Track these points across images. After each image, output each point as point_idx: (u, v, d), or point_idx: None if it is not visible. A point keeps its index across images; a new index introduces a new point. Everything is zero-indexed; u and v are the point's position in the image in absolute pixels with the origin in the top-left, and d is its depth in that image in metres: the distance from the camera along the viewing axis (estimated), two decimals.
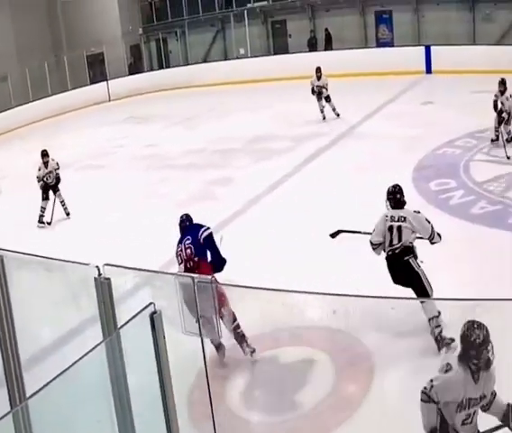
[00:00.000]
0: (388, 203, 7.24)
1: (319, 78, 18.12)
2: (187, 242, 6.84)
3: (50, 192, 13.38)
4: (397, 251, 6.94)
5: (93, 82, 29.10)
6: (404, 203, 7.21)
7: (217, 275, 5.88)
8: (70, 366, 2.96)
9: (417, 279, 6.76)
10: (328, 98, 18.13)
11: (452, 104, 16.70)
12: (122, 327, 3.20)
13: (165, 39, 31.51)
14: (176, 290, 3.62)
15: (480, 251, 8.97)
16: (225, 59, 29.48)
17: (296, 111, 19.73)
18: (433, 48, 23.15)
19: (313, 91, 18.24)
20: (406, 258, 6.89)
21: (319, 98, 18.29)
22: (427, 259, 6.88)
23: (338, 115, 18.19)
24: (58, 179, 13.40)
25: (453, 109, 16.19)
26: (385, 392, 5.95)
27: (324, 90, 18.12)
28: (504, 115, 13.63)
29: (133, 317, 3.06)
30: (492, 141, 13.88)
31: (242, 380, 6.49)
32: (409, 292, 6.68)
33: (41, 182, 13.30)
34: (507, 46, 21.83)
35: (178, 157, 16.89)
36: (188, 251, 6.77)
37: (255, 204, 12.33)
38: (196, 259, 6.71)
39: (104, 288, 3.38)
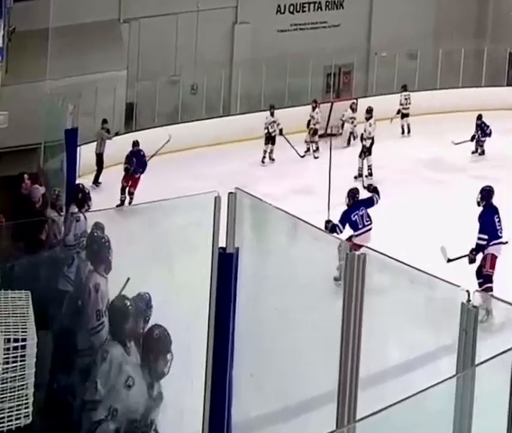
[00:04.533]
0: None
1: None
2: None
3: None
4: None
5: (509, 84, 28.72)
6: None
7: None
8: (415, 394, 3.02)
9: None
10: None
11: None
12: (480, 364, 3.19)
13: None
14: None
15: None
16: None
17: None
18: None
19: None
20: None
21: None
22: None
23: None
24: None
25: None
26: None
27: None
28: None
29: (494, 356, 3.04)
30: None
31: None
32: None
33: None
34: None
35: None
36: None
37: None
38: None
39: (469, 316, 3.39)
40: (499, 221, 12.73)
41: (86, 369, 6.31)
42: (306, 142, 24.44)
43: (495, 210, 12.87)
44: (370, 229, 13.46)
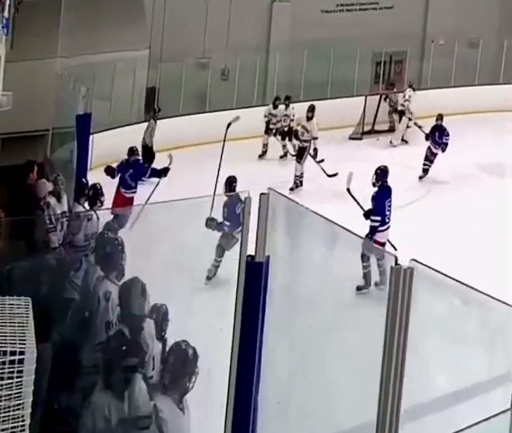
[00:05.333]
0: None
1: None
2: None
3: None
4: None
5: None
6: None
7: None
8: (463, 430, 3.06)
9: None
10: None
11: None
12: None
13: None
14: None
15: None
16: None
17: None
18: None
19: None
20: None
21: None
22: None
23: None
24: None
25: None
26: None
27: None
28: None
29: None
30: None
31: None
32: None
33: None
34: None
35: None
36: None
37: None
38: None
39: None
40: (390, 205, 14.05)
41: (91, 389, 6.35)
42: (284, 145, 23.74)
43: (388, 192, 14.25)
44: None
